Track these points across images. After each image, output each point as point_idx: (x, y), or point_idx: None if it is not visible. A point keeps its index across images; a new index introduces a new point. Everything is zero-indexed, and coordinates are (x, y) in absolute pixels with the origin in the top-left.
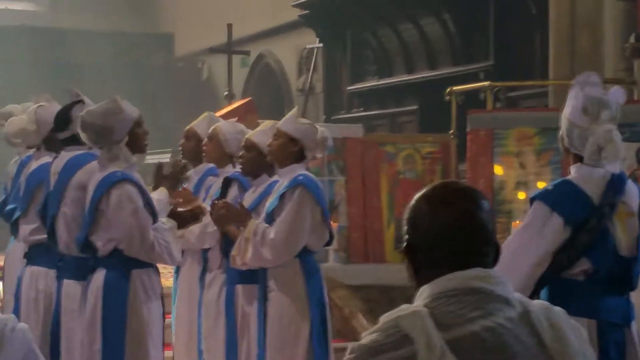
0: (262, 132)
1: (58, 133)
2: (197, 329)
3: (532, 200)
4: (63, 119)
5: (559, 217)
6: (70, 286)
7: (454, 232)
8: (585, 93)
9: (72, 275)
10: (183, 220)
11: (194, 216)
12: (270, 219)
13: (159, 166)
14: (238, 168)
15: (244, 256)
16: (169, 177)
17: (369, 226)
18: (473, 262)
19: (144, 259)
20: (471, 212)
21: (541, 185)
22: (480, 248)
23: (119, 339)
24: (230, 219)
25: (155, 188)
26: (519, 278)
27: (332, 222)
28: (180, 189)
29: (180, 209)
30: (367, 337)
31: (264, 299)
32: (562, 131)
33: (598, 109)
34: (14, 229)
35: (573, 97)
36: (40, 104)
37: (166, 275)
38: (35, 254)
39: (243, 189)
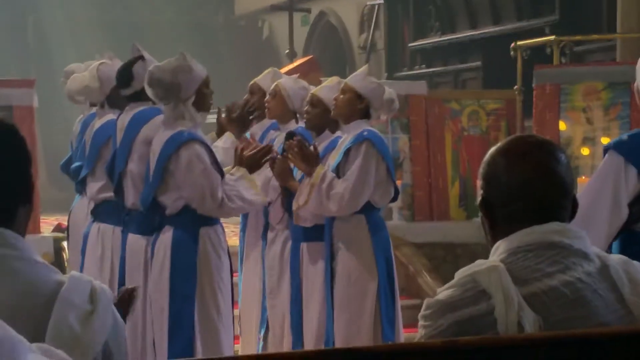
0: (328, 88)
1: (121, 90)
2: (262, 285)
3: (605, 150)
4: (125, 75)
5: (633, 167)
6: (136, 241)
7: (532, 185)
8: None
9: (138, 230)
10: (251, 164)
11: (261, 156)
12: (335, 173)
13: (227, 108)
14: (301, 123)
15: (307, 200)
16: (238, 120)
17: (433, 184)
18: (551, 216)
19: (217, 216)
20: (549, 165)
21: (606, 141)
22: (559, 201)
23: (189, 297)
24: (300, 160)
25: (220, 133)
26: (598, 229)
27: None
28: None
29: (246, 152)
30: (444, 292)
31: (330, 256)
32: (638, 82)
33: None
34: (80, 187)
35: None
36: (103, 61)
37: (230, 234)
38: (102, 211)
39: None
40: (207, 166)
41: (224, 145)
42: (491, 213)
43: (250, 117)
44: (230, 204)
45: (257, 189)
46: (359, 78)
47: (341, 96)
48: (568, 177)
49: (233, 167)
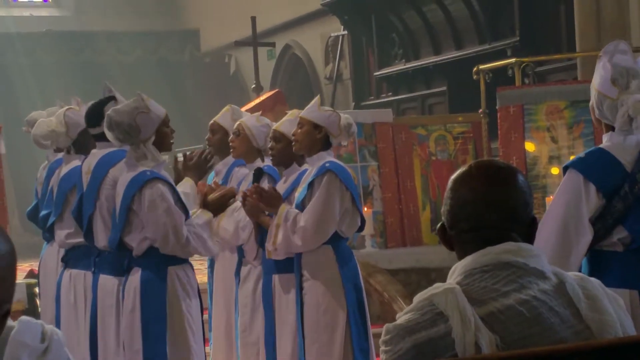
0: (289, 122)
1: (90, 129)
2: (235, 323)
3: (565, 169)
4: (95, 114)
5: (592, 184)
6: (107, 281)
7: (469, 207)
8: (613, 63)
9: (109, 271)
10: (216, 207)
11: (226, 200)
12: (301, 208)
13: (184, 157)
14: (267, 161)
15: (275, 242)
16: (194, 167)
17: (404, 210)
18: (502, 237)
19: (181, 255)
20: (486, 187)
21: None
22: (498, 223)
23: (161, 337)
24: (263, 204)
25: (177, 180)
26: (568, 249)
27: (366, 208)
28: (211, 181)
29: (210, 196)
30: (402, 316)
31: (299, 287)
32: (592, 102)
33: (627, 79)
34: (49, 234)
35: (601, 67)
36: (70, 106)
37: (202, 272)
38: (73, 257)
39: (274, 180)
40: (171, 205)
41: (184, 190)
42: (447, 236)
43: (208, 165)
44: (194, 244)
45: (213, 239)
46: (313, 109)
47: (299, 130)
48: (514, 199)
49: (197, 210)
